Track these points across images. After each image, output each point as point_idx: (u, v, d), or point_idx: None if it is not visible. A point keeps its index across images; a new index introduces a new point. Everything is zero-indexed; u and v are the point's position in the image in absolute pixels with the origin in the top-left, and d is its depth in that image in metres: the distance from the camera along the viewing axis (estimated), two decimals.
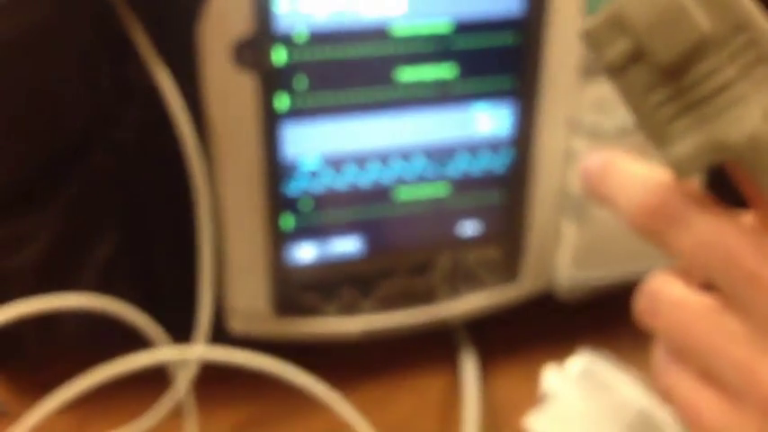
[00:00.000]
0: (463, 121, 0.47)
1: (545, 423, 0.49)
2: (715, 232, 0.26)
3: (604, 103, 0.48)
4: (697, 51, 0.24)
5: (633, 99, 0.25)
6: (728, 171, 0.26)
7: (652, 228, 0.27)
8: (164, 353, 0.44)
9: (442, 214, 0.49)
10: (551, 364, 0.51)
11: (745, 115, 0.24)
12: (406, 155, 0.47)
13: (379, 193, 0.48)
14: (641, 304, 0.28)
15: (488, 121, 0.47)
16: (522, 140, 0.48)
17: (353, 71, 0.44)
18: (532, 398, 0.50)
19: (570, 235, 0.51)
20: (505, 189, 0.49)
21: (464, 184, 0.49)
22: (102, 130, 0.43)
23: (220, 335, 0.47)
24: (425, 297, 0.51)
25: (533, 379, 0.51)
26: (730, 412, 0.26)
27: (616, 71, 0.25)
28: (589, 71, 0.47)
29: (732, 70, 0.24)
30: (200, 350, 0.45)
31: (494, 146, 0.48)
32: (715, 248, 0.25)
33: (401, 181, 0.48)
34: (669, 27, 0.24)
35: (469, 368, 0.53)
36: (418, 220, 0.49)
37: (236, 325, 0.48)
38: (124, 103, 0.42)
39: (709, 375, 0.26)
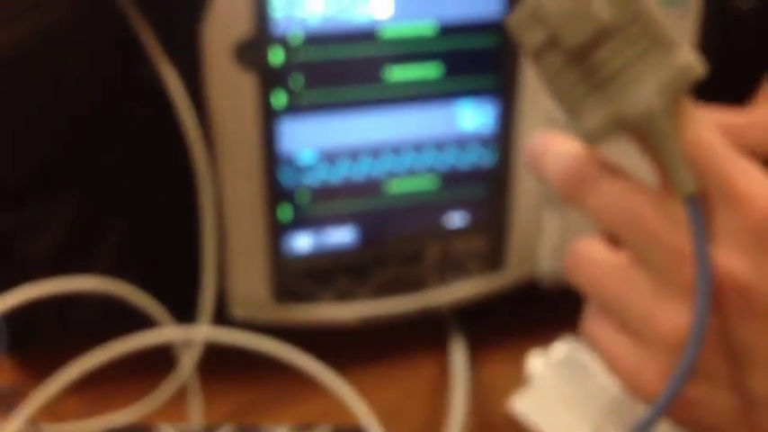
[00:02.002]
0: (449, 117, 0.50)
1: (528, 405, 0.52)
2: (621, 195, 0.29)
3: None
4: (600, 38, 0.28)
5: (550, 80, 0.29)
6: (635, 140, 0.29)
7: (571, 194, 0.30)
8: (169, 332, 0.47)
9: (431, 206, 0.52)
10: (536, 350, 0.54)
11: (641, 92, 0.28)
12: (396, 149, 0.50)
13: (372, 186, 0.51)
14: (567, 261, 0.32)
15: (472, 117, 0.51)
16: (505, 136, 0.51)
17: (345, 71, 0.47)
18: (519, 382, 0.53)
19: (552, 227, 0.53)
20: (491, 182, 0.52)
21: (451, 178, 0.52)
22: (114, 124, 0.46)
23: (222, 321, 0.50)
24: (416, 285, 0.53)
25: (519, 364, 0.53)
26: (641, 355, 0.29)
27: (535, 56, 0.29)
28: None
29: (631, 53, 0.28)
30: (204, 331, 0.48)
31: (479, 141, 0.51)
32: (621, 210, 0.29)
33: (392, 174, 0.51)
34: (575, 18, 0.28)
35: (458, 354, 0.56)
36: (409, 212, 0.52)
37: (238, 311, 0.51)
38: (133, 100, 0.46)
39: (623, 324, 0.30)
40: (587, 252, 0.30)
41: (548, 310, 0.58)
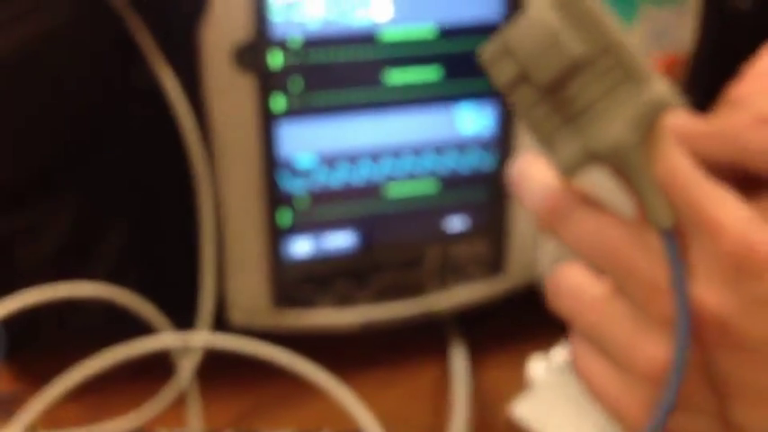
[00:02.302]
0: (449, 121, 0.50)
1: (529, 409, 0.52)
2: (596, 228, 0.29)
3: None
4: (571, 72, 0.28)
5: (524, 113, 0.29)
6: (611, 171, 0.29)
7: (549, 225, 0.30)
8: (168, 338, 0.47)
9: (431, 210, 0.52)
10: (537, 355, 0.53)
11: (612, 126, 0.28)
12: (396, 153, 0.50)
13: (371, 190, 0.50)
14: (549, 290, 0.31)
15: (472, 121, 0.50)
16: (505, 140, 0.51)
17: (345, 74, 0.47)
18: (519, 386, 0.53)
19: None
20: (491, 186, 0.52)
21: (451, 182, 0.51)
22: (113, 127, 0.46)
23: (221, 327, 0.50)
24: (416, 290, 0.53)
25: (520, 368, 0.53)
26: (623, 386, 0.29)
27: (507, 90, 0.29)
28: None
29: (601, 87, 0.28)
30: (203, 337, 0.47)
31: (479, 145, 0.51)
32: (597, 243, 0.29)
33: (392, 178, 0.50)
34: (545, 54, 0.27)
35: (459, 359, 0.56)
36: (408, 216, 0.52)
37: (237, 317, 0.50)
38: (132, 103, 0.45)
39: (605, 354, 0.30)
40: (568, 281, 0.30)
41: (548, 314, 0.57)
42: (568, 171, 0.29)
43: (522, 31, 0.28)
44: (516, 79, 0.28)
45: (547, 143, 0.29)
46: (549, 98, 0.28)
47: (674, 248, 0.28)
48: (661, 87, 0.28)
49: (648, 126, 0.28)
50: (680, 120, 0.46)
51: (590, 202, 0.29)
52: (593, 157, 0.28)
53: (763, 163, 0.43)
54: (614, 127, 0.28)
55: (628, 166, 0.28)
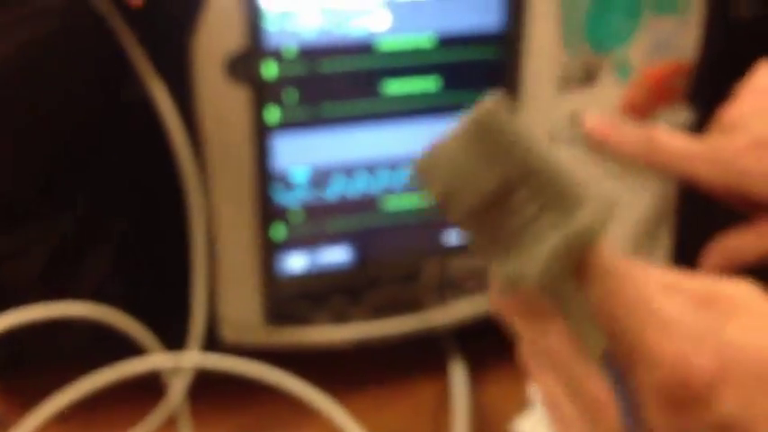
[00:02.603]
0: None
1: (531, 427, 0.50)
2: (545, 343, 0.29)
3: (580, 116, 0.49)
4: (490, 201, 0.27)
5: (458, 223, 0.28)
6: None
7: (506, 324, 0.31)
8: (157, 360, 0.45)
9: (429, 224, 0.51)
10: None
11: (537, 255, 0.27)
12: (393, 165, 0.48)
13: (368, 204, 0.49)
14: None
15: None
16: None
17: (341, 85, 0.46)
18: (521, 404, 0.52)
19: None
20: None
21: None
22: (101, 141, 0.44)
23: (213, 345, 0.48)
24: (414, 305, 0.52)
25: (521, 385, 0.52)
26: None
27: (440, 205, 0.28)
28: (566, 83, 0.49)
29: (531, 211, 0.27)
30: (194, 357, 0.46)
31: None
32: (545, 354, 0.29)
33: (388, 191, 0.49)
34: (460, 187, 0.27)
35: (458, 375, 0.54)
36: (406, 230, 0.50)
37: (229, 334, 0.49)
38: (121, 116, 0.44)
39: None
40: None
41: None
42: (506, 289, 0.28)
43: (441, 161, 0.27)
44: (441, 202, 0.28)
45: (484, 256, 0.28)
46: (480, 218, 0.27)
47: (614, 373, 0.27)
48: (588, 216, 0.26)
49: (574, 257, 0.27)
50: (676, 142, 0.45)
51: (539, 311, 0.29)
52: (523, 282, 0.27)
53: (763, 185, 0.42)
54: (540, 256, 0.27)
55: (556, 293, 0.27)
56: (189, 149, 0.44)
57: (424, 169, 0.28)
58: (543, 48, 0.47)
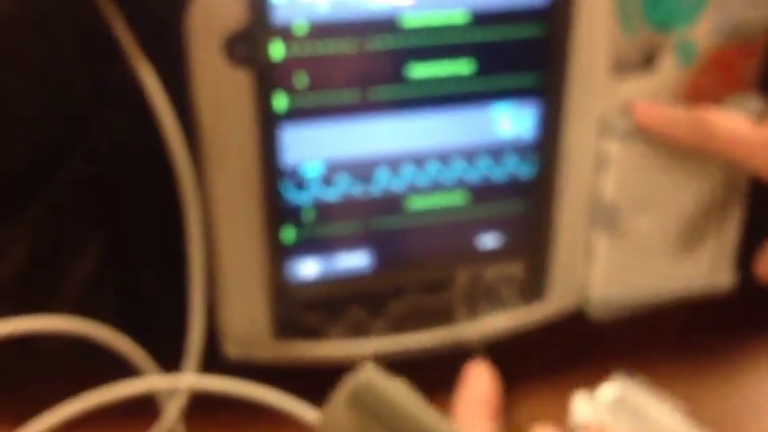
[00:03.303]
0: (482, 122, 0.43)
1: None
2: None
3: (634, 104, 0.43)
4: None
5: None
6: None
7: None
8: (151, 382, 0.40)
9: (459, 225, 0.45)
10: (581, 392, 0.46)
11: None
12: (418, 160, 0.43)
13: (390, 203, 0.43)
14: None
15: (510, 122, 0.43)
16: (548, 144, 0.44)
17: (359, 67, 0.40)
18: (560, 428, 0.46)
19: (601, 248, 0.46)
20: (529, 197, 0.45)
21: (483, 192, 0.44)
22: (80, 135, 0.39)
23: (214, 361, 0.43)
24: (441, 317, 0.46)
25: (560, 406, 0.47)
26: None
27: None
28: (621, 67, 0.42)
29: None
30: (190, 379, 0.40)
31: (516, 150, 0.44)
32: None
33: (413, 189, 0.43)
34: None
35: None
36: (432, 233, 0.45)
37: (232, 349, 0.44)
38: (103, 105, 0.38)
39: None
40: None
41: (593, 343, 0.51)
42: None
43: (330, 427, 0.31)
44: None
45: None
46: None
47: None
48: None
49: None
50: (732, 126, 0.42)
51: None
52: None
53: None
54: None
55: None
56: (183, 142, 0.38)
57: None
58: (595, 26, 0.41)
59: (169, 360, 0.42)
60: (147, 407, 0.43)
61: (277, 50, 0.38)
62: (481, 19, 0.40)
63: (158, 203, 0.40)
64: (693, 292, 0.49)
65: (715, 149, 0.42)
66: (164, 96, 0.37)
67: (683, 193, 0.46)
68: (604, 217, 0.45)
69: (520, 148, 0.44)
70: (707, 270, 0.48)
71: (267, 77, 0.39)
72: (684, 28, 0.42)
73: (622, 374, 0.47)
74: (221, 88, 0.38)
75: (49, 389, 0.42)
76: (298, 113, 0.40)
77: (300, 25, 0.38)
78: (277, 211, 0.42)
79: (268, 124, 0.40)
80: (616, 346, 0.51)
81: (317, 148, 0.41)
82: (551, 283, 0.47)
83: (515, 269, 0.46)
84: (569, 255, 0.46)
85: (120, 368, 0.41)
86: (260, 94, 0.39)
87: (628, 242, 0.46)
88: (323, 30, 0.39)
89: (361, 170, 0.42)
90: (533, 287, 0.47)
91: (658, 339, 0.53)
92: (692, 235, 0.47)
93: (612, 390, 0.47)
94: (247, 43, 0.37)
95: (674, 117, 0.43)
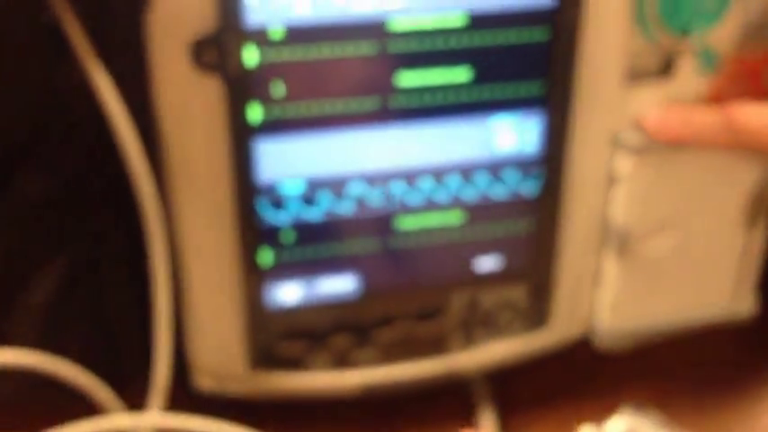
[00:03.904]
0: (480, 135, 0.39)
1: None
2: None
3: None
4: None
5: None
6: None
7: None
8: (114, 420, 0.36)
9: (455, 247, 0.41)
10: (587, 425, 0.42)
11: None
12: (409, 176, 0.39)
13: (378, 223, 0.39)
14: None
15: (511, 135, 0.39)
16: (553, 159, 0.40)
17: (343, 75, 0.36)
18: None
19: (611, 273, 0.42)
20: (532, 217, 0.41)
21: (482, 212, 0.40)
22: (33, 147, 0.35)
23: (185, 394, 0.39)
24: (435, 346, 0.42)
25: None
26: None
27: None
28: (635, 75, 0.38)
29: None
30: (154, 418, 0.37)
31: (518, 165, 0.40)
32: None
33: (404, 208, 0.39)
34: None
35: (488, 427, 0.45)
36: (425, 255, 0.41)
37: (204, 382, 0.40)
38: (57, 116, 0.34)
39: None
40: None
41: (600, 373, 0.47)
42: None
43: None
44: None
45: None
46: None
47: None
48: None
49: None
50: (760, 114, 0.38)
51: None
52: None
53: None
54: None
55: None
56: (145, 158, 0.34)
57: None
58: (606, 29, 0.37)
59: (137, 394, 0.39)
60: None
61: (250, 56, 0.34)
62: (479, 22, 0.36)
63: (120, 224, 0.36)
64: (712, 321, 0.45)
65: (745, 143, 0.39)
66: (122, 106, 0.33)
67: (701, 215, 0.41)
68: (615, 239, 0.41)
69: (522, 164, 0.40)
70: (727, 296, 0.44)
71: (240, 86, 0.35)
72: (705, 32, 0.38)
73: (632, 406, 0.43)
74: (188, 98, 0.34)
75: (6, 424, 0.38)
76: (274, 126, 0.36)
77: (276, 29, 0.34)
78: (253, 232, 0.38)
79: (241, 138, 0.36)
80: (625, 374, 0.47)
81: (296, 164, 0.37)
82: (555, 310, 0.43)
83: (516, 295, 0.42)
84: (575, 280, 0.42)
85: (83, 404, 0.38)
86: (232, 105, 0.35)
87: (640, 267, 0.42)
88: (302, 34, 0.34)
89: (346, 188, 0.38)
90: (535, 314, 0.43)
91: (671, 368, 0.49)
92: (711, 259, 0.43)
93: (621, 423, 0.42)
94: (217, 48, 0.33)
95: (695, 119, 0.39)
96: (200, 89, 0.34)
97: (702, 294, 0.44)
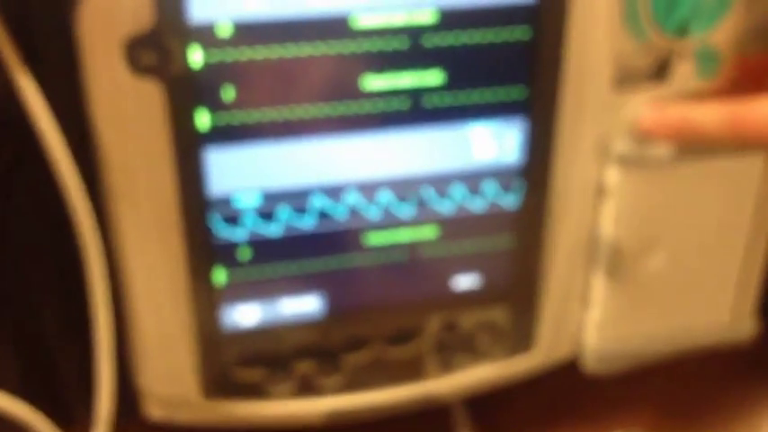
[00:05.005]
0: (455, 144, 0.35)
1: None
2: None
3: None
4: None
5: None
6: None
7: None
8: None
9: (430, 265, 0.37)
10: None
11: None
12: (378, 189, 0.35)
13: (344, 239, 0.36)
14: None
15: (490, 144, 0.35)
16: (536, 169, 0.36)
17: (301, 78, 0.32)
18: None
19: (600, 292, 0.39)
20: (513, 232, 0.37)
21: (458, 226, 0.37)
22: None
23: (135, 422, 0.36)
24: (410, 371, 0.39)
25: None
26: None
27: None
28: (626, 79, 0.35)
29: None
30: None
31: (497, 176, 0.36)
32: None
33: (372, 223, 0.36)
34: None
35: None
36: (397, 273, 0.37)
37: (154, 411, 0.37)
38: None
39: None
40: None
41: (588, 398, 0.44)
42: None
43: None
44: None
45: None
46: None
47: None
48: None
49: None
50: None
51: None
52: None
53: None
54: None
55: None
56: (77, 171, 0.31)
57: None
58: (593, 29, 0.33)
59: (81, 426, 0.35)
60: None
61: (195, 57, 0.31)
62: (452, 19, 0.32)
63: (54, 244, 0.32)
64: (708, 343, 0.41)
65: (751, 137, 0.35)
66: (49, 114, 0.30)
67: (697, 230, 0.38)
68: (604, 256, 0.38)
69: (501, 175, 0.36)
70: (725, 317, 0.41)
71: (184, 90, 0.31)
72: (704, 32, 0.35)
73: None
74: (125, 104, 0.31)
75: None
76: (225, 133, 0.33)
77: (224, 26, 0.31)
78: (205, 249, 0.34)
79: (188, 147, 0.32)
80: (614, 401, 0.44)
81: (251, 175, 0.34)
82: (539, 331, 0.40)
83: (497, 315, 0.39)
84: (560, 299, 0.39)
85: None
86: (175, 111, 0.31)
87: (631, 286, 0.38)
88: (253, 31, 0.31)
89: (308, 201, 0.35)
90: (518, 336, 0.40)
91: (665, 392, 0.45)
92: (707, 277, 0.39)
93: None
94: (154, 48, 0.30)
95: (695, 113, 0.35)
96: (138, 94, 0.30)
97: (698, 315, 0.40)
